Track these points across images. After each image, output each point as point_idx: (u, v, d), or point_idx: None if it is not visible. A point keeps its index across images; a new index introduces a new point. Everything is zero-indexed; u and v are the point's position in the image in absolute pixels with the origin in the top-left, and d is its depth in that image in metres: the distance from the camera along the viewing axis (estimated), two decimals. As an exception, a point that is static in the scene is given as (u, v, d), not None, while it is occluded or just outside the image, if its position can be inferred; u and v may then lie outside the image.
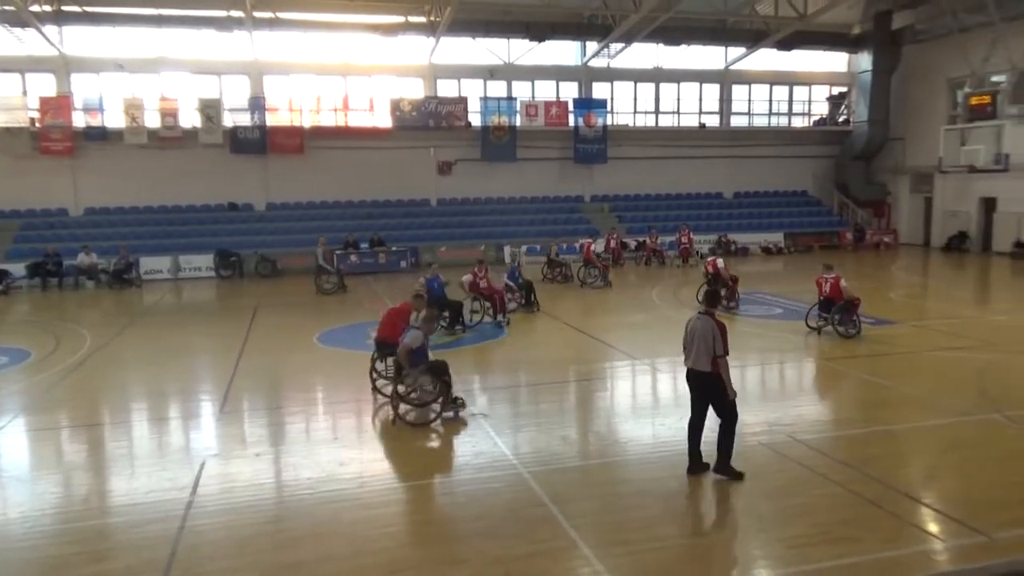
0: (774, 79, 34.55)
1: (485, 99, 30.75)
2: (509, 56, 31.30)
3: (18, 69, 27.38)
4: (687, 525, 6.91)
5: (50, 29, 26.28)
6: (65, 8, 26.41)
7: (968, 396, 10.37)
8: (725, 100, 34.11)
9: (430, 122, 29.69)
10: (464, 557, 6.14)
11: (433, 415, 9.53)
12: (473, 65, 31.02)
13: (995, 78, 27.93)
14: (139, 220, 27.58)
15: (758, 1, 30.37)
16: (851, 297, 14.05)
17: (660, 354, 13.03)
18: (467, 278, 16.13)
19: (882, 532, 6.37)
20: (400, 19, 28.63)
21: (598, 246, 25.34)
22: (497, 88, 31.58)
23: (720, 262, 17.60)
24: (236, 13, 26.52)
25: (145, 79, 27.97)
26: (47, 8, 25.89)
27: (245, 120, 28.34)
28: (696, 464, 7.61)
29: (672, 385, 11.46)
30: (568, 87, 32.49)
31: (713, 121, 34.06)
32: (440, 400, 9.51)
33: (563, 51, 32.43)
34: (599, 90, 32.60)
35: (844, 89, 35.40)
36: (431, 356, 9.83)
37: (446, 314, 14.91)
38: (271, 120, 28.59)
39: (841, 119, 35.34)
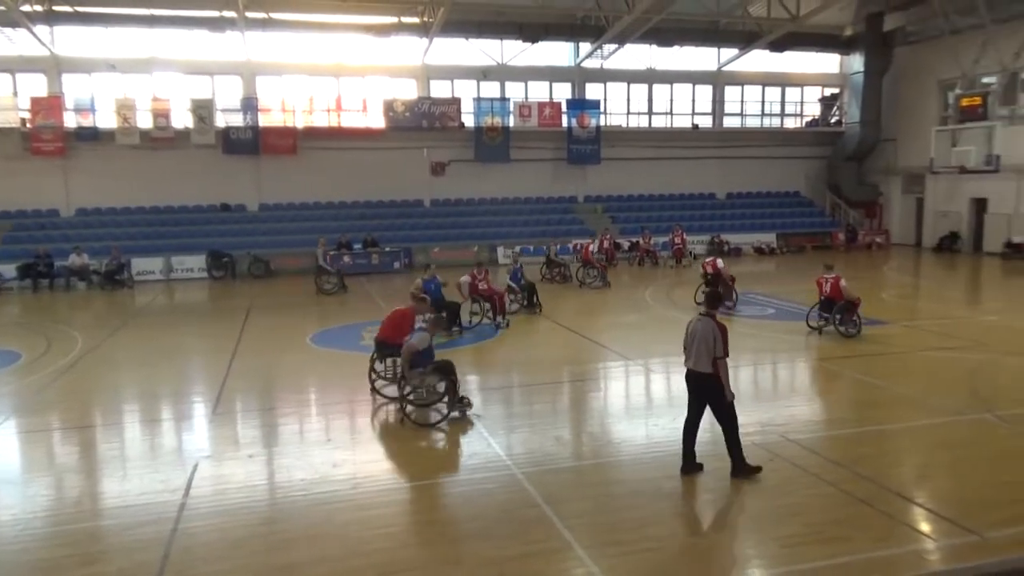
0: (766, 80, 34.65)
1: (478, 100, 30.76)
2: (502, 57, 31.31)
3: (9, 69, 27.22)
4: (681, 525, 6.92)
5: (41, 29, 26.16)
6: (56, 8, 26.30)
7: (960, 396, 10.42)
8: (718, 101, 34.19)
9: (423, 123, 29.68)
10: (458, 558, 6.14)
11: (439, 416, 9.52)
12: (466, 66, 31.00)
13: (986, 80, 28.16)
14: (131, 221, 27.45)
15: (750, 3, 30.49)
16: (852, 297, 14.11)
17: (653, 354, 13.08)
18: (465, 279, 15.96)
19: (874, 531, 6.40)
20: (393, 20, 28.61)
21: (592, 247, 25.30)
22: (490, 89, 31.58)
23: (720, 262, 17.64)
24: (228, 13, 26.43)
25: (137, 79, 27.87)
26: (38, 8, 25.76)
27: (238, 121, 28.28)
28: (689, 464, 7.62)
29: (665, 385, 11.51)
30: (561, 88, 32.51)
31: (706, 122, 34.12)
32: (447, 400, 9.51)
33: (556, 52, 32.42)
34: (592, 91, 32.63)
35: (836, 90, 35.56)
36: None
37: (444, 315, 14.87)
38: (264, 121, 28.49)
39: (833, 120, 35.49)
